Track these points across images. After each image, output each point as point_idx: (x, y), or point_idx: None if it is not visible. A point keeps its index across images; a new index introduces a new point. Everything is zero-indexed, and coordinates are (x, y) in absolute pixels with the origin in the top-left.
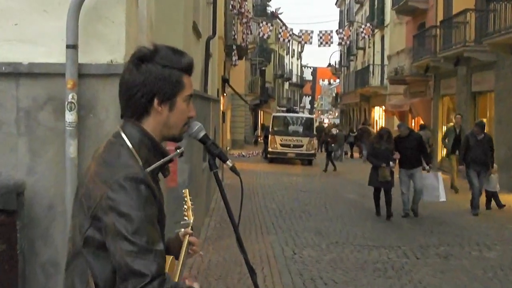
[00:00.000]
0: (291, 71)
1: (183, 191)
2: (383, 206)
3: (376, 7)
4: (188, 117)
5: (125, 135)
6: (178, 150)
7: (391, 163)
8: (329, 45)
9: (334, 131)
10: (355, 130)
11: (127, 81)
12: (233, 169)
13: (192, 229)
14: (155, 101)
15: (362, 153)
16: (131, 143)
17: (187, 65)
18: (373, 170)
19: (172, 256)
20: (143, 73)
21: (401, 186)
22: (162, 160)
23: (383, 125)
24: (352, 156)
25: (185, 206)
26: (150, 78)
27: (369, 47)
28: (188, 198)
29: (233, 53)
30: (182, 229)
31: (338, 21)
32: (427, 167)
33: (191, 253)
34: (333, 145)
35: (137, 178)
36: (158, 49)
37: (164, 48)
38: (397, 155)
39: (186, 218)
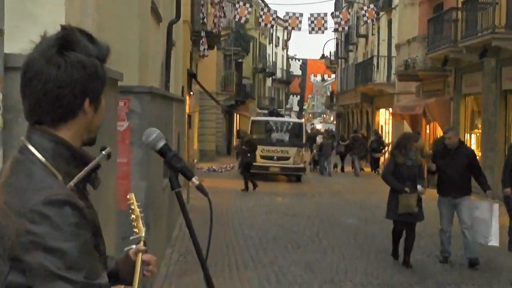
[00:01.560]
0: (274, 64)
1: (128, 196)
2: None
3: None
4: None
5: (34, 147)
6: (103, 152)
7: (419, 186)
8: (323, 32)
9: (319, 139)
10: (346, 138)
11: (55, 77)
12: (200, 188)
13: (145, 244)
14: (86, 102)
15: (354, 166)
16: (43, 156)
17: (106, 54)
18: (392, 196)
19: (122, 287)
20: (75, 66)
21: (441, 221)
22: (85, 168)
23: (390, 132)
24: (343, 169)
25: (133, 216)
26: (83, 74)
27: (372, 34)
28: (135, 205)
29: (201, 41)
30: (133, 246)
31: (334, 1)
32: (488, 192)
33: (148, 275)
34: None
35: (58, 200)
36: (74, 33)
37: (78, 31)
38: (433, 166)
39: (136, 231)
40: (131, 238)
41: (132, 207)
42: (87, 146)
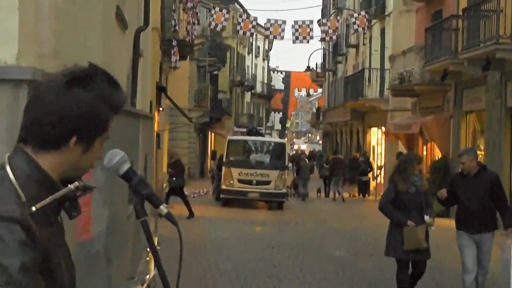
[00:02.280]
0: (254, 76)
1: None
2: None
3: None
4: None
5: (11, 166)
6: (70, 186)
7: (427, 217)
8: (308, 41)
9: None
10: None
11: (48, 105)
12: (169, 216)
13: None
14: (73, 140)
15: (337, 191)
16: (15, 175)
17: (120, 104)
18: (395, 230)
19: None
20: (73, 101)
21: (463, 258)
22: (51, 196)
23: (383, 154)
24: (327, 194)
25: (147, 258)
26: (79, 111)
27: (364, 44)
28: (154, 248)
29: (172, 51)
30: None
31: (321, 7)
32: (509, 230)
33: None
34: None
35: (9, 218)
36: (96, 73)
37: (101, 73)
38: (443, 192)
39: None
40: (136, 279)
41: (148, 249)
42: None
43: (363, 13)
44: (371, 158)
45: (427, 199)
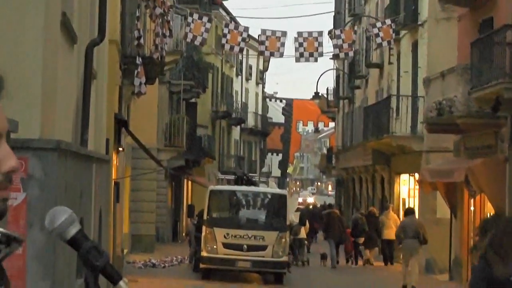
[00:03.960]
0: (245, 106)
1: None
2: None
3: None
4: (4, 173)
5: None
6: None
7: None
8: (316, 60)
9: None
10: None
11: None
12: None
13: None
14: None
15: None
16: None
17: None
18: None
19: None
20: None
21: None
22: None
23: (416, 209)
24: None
25: None
26: None
27: (390, 63)
28: None
29: (136, 72)
30: None
31: (333, 14)
32: None
33: None
34: None
35: None
36: None
37: None
38: None
39: None
40: None
41: None
42: None
43: (388, 21)
44: (394, 215)
45: None
